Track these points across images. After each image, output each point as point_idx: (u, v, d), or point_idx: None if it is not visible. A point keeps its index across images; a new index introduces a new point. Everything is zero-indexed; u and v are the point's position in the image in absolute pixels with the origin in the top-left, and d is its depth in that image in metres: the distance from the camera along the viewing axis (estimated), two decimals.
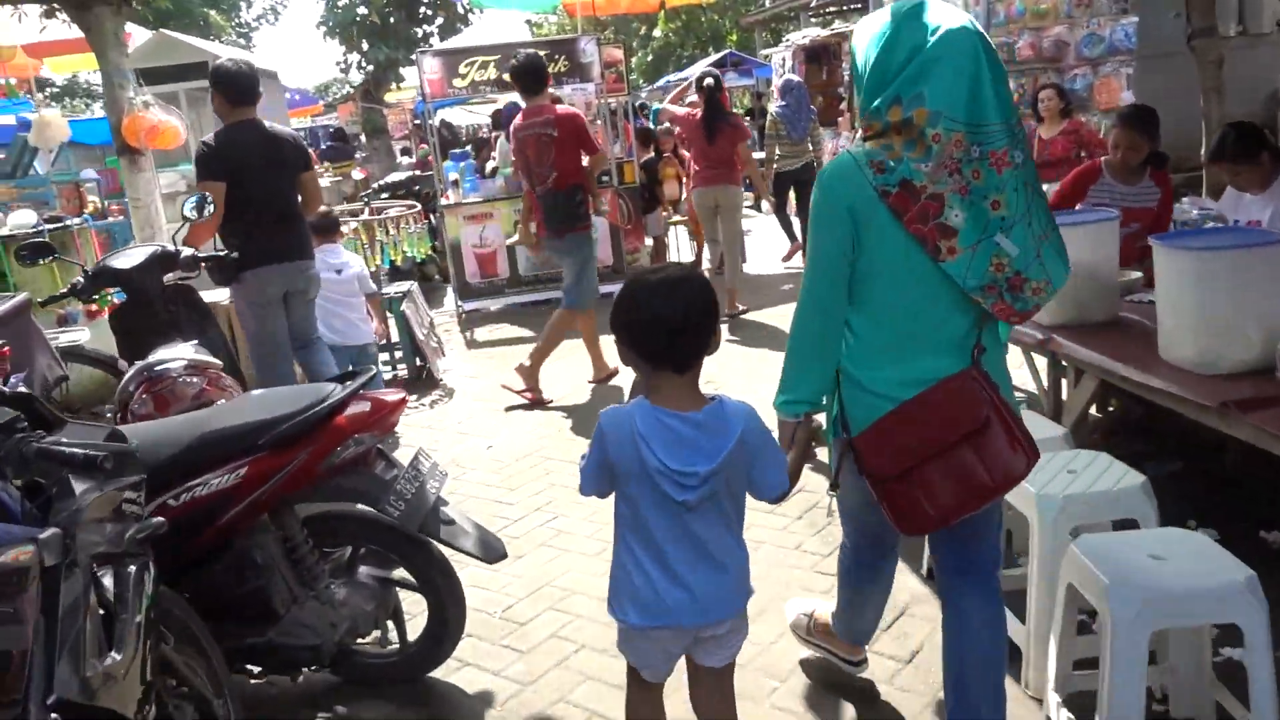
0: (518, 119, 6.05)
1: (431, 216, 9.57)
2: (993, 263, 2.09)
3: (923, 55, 2.03)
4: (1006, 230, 2.08)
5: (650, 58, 27.75)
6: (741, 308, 7.98)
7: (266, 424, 2.79)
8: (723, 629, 2.15)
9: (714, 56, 19.74)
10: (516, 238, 6.69)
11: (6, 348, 4.08)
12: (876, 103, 2.10)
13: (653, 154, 10.58)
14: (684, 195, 10.67)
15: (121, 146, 7.29)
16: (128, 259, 4.45)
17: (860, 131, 2.23)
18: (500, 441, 5.53)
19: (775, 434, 2.22)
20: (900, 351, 2.21)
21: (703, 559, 2.07)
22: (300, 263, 5.06)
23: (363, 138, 15.83)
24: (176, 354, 3.73)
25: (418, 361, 6.88)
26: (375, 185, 11.40)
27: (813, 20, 16.11)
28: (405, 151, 19.93)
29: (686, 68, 23.53)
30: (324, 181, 10.55)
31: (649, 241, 10.11)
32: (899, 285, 2.17)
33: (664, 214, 10.62)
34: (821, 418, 2.43)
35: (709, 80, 7.88)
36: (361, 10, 14.51)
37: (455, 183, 9.07)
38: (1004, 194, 2.07)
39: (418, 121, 21.72)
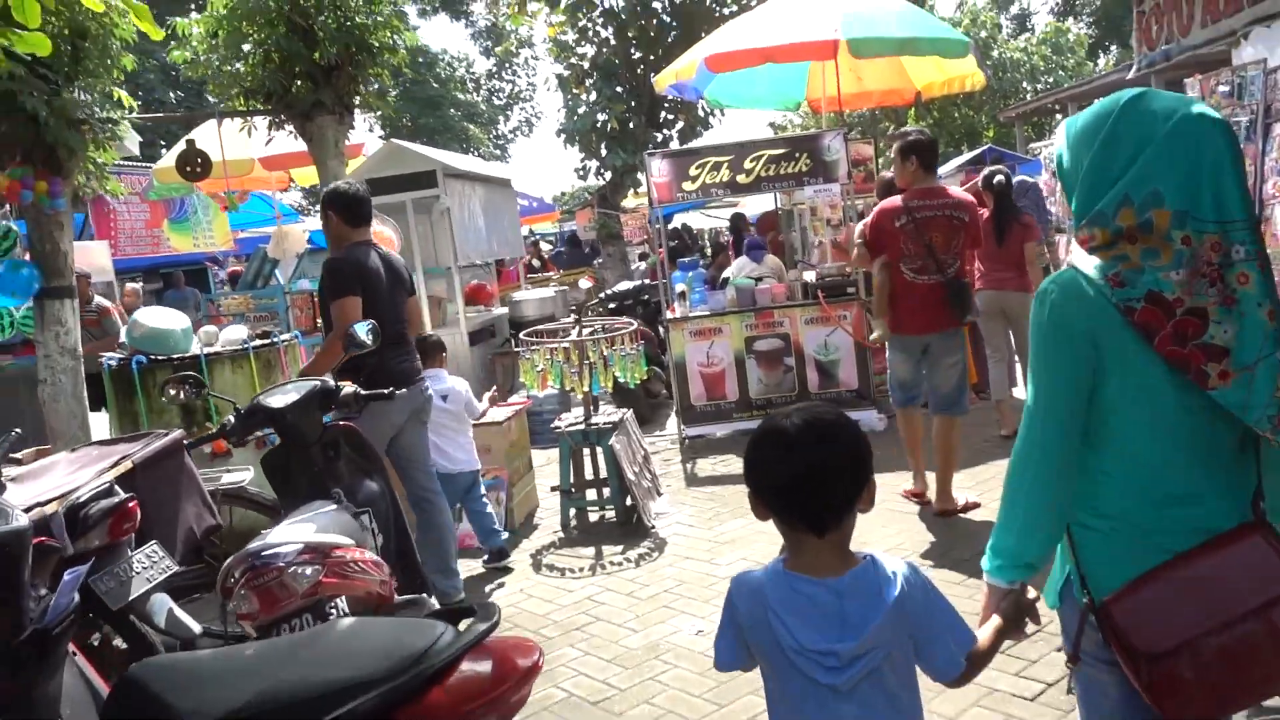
0: (904, 197, 5.58)
1: (661, 329, 8.76)
2: (1278, 385, 1.75)
3: (1154, 148, 1.77)
4: None
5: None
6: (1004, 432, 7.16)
7: (334, 692, 1.86)
8: None
9: (971, 154, 18.29)
10: (874, 334, 6.08)
11: (134, 502, 3.46)
12: (1099, 206, 1.82)
13: None
14: None
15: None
16: (283, 396, 3.82)
17: (1075, 244, 1.91)
18: (714, 624, 4.43)
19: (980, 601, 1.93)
20: (1160, 496, 1.84)
21: None
22: (419, 385, 4.90)
23: (598, 245, 15.65)
24: (290, 535, 2.95)
25: (627, 502, 5.95)
26: (603, 294, 10.83)
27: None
28: (643, 257, 19.67)
29: (938, 166, 22.19)
30: (549, 290, 10.04)
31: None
32: (1153, 421, 1.82)
33: None
34: (1035, 592, 1.98)
35: (999, 178, 7.22)
36: (602, 116, 14.24)
37: (682, 294, 8.24)
38: (1275, 301, 1.76)
39: (657, 226, 21.71)
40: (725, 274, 9.07)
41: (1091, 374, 1.83)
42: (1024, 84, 28.58)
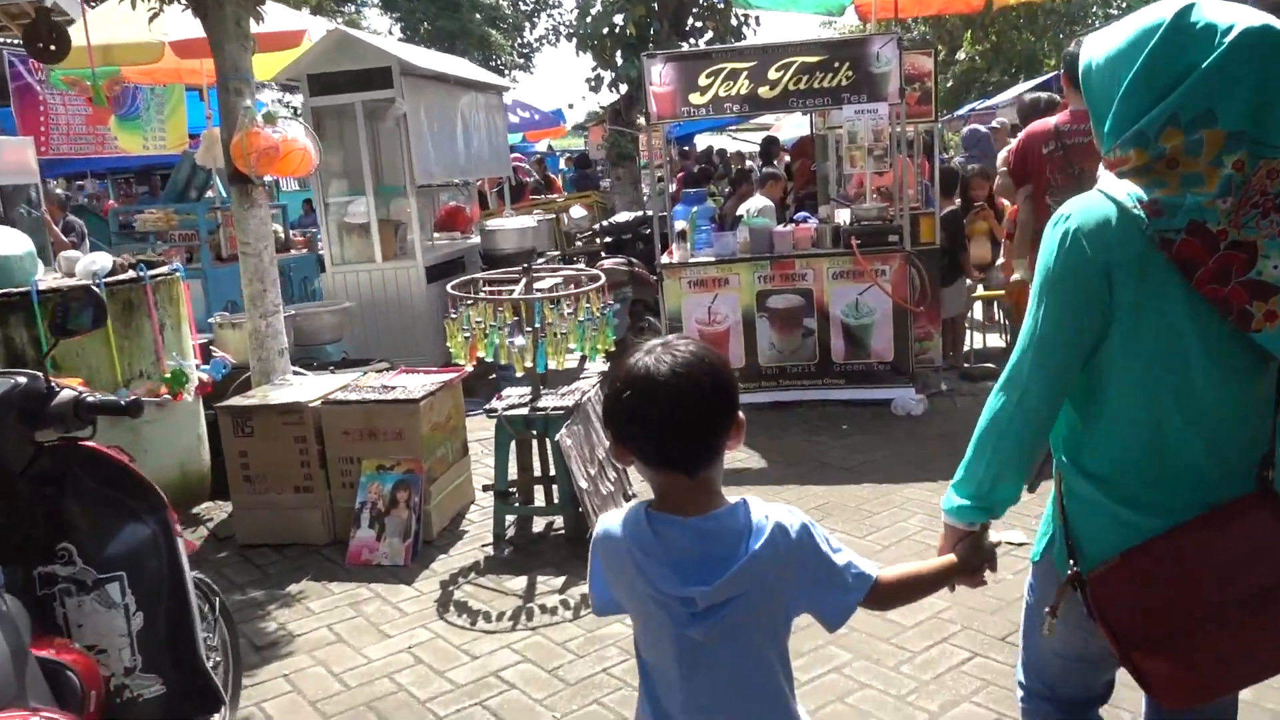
0: (1061, 117, 4.95)
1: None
2: None
3: (1212, 63, 1.53)
4: None
5: (950, 83, 24.37)
6: None
7: None
8: None
9: (1032, 82, 16.31)
10: (1004, 284, 5.43)
11: None
12: (1139, 126, 1.59)
13: (958, 204, 7.78)
14: (999, 259, 7.74)
15: (233, 173, 5.43)
16: None
17: (1106, 166, 1.68)
18: None
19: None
20: (1167, 457, 1.67)
21: (720, 706, 1.60)
22: None
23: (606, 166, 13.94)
24: None
25: (581, 510, 4.47)
26: (598, 225, 9.23)
27: None
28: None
29: (993, 95, 20.14)
30: (529, 219, 8.46)
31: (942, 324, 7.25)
32: (1176, 367, 1.63)
33: (970, 284, 7.75)
34: (1006, 535, 2.03)
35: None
36: (618, 19, 12.45)
37: (682, 234, 6.65)
38: None
39: (686, 148, 19.76)
40: (740, 211, 7.46)
41: (1101, 319, 1.64)
42: (1095, 8, 26.06)
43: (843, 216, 7.54)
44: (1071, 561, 1.74)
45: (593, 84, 13.54)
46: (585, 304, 4.56)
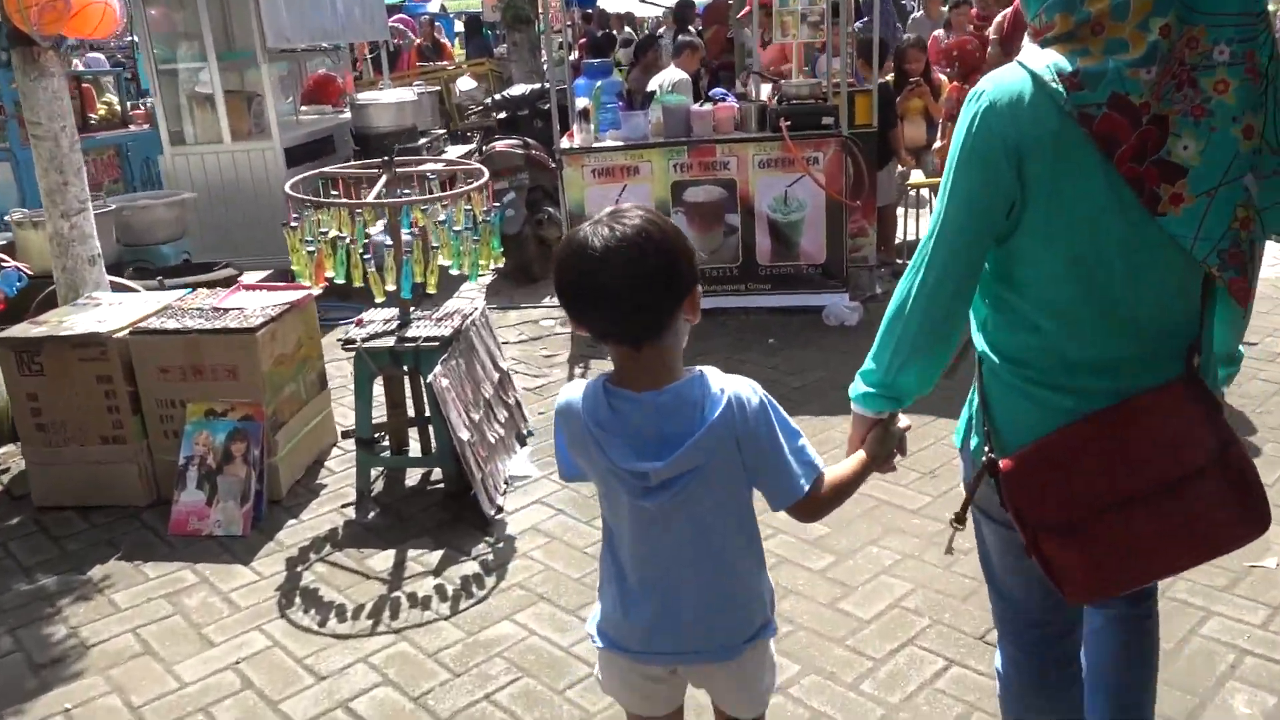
0: None
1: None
2: (1237, 217, 1.48)
3: None
4: (1261, 170, 1.48)
5: None
6: None
7: None
8: (718, 671, 1.69)
9: None
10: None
11: None
12: None
13: (890, 77, 6.98)
14: (938, 142, 6.99)
15: (11, 31, 4.26)
16: None
17: (1030, 35, 1.58)
18: None
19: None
20: (1082, 343, 1.59)
21: (672, 582, 1.61)
22: None
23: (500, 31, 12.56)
24: None
25: (466, 471, 3.63)
26: (490, 99, 8.12)
27: None
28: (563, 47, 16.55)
29: None
30: (407, 91, 7.32)
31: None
32: (1091, 250, 1.53)
33: (903, 170, 6.99)
34: (906, 420, 1.76)
35: None
36: None
37: (585, 114, 5.68)
38: (1258, 115, 1.45)
39: (588, 10, 18.26)
40: (652, 86, 6.48)
41: (1006, 200, 1.54)
42: None
43: (764, 93, 6.66)
44: (987, 448, 1.67)
45: None
46: (465, 206, 3.64)
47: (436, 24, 15.68)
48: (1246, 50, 1.43)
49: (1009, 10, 5.25)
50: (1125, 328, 1.58)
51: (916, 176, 7.17)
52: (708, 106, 5.70)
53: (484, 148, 6.98)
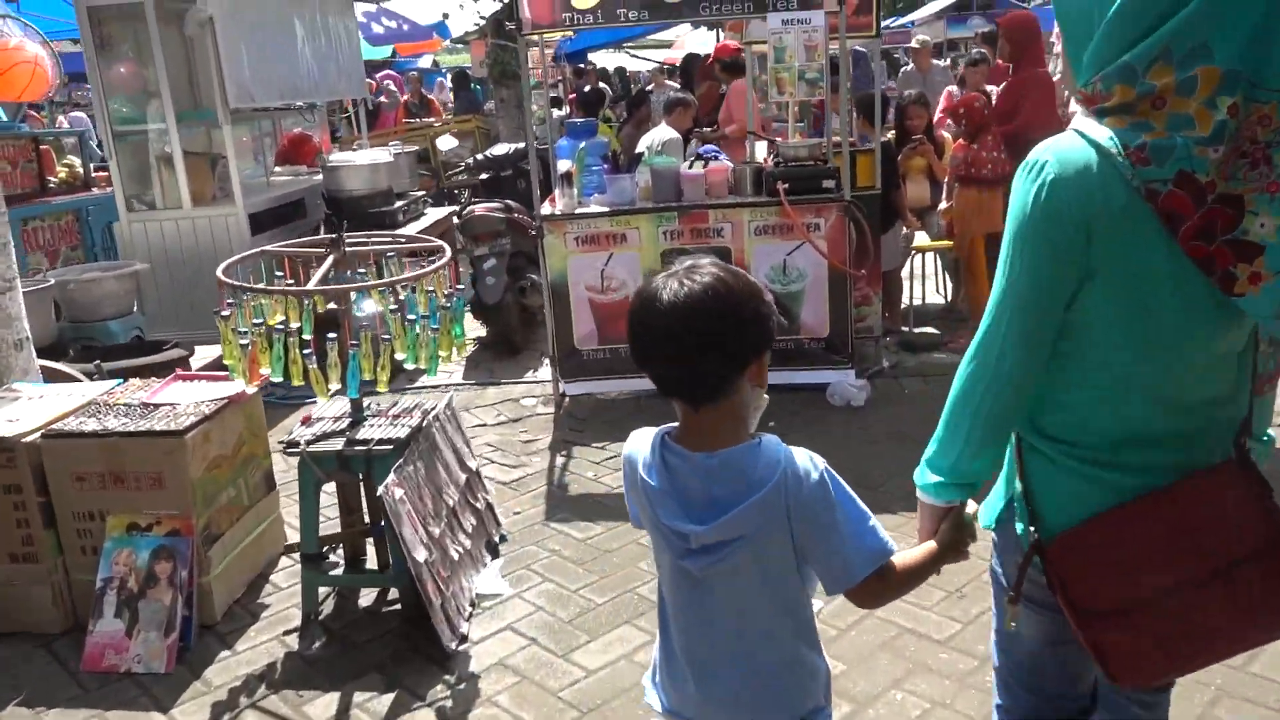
0: None
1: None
2: None
3: None
4: None
5: None
6: None
7: None
8: None
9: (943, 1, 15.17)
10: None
11: None
12: (1127, 59, 1.41)
13: (891, 135, 6.63)
14: (943, 203, 6.61)
15: None
16: None
17: (1083, 102, 1.50)
18: None
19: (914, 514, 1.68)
20: (1131, 419, 1.55)
21: (712, 651, 1.56)
22: None
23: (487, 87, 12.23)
24: None
25: (423, 597, 3.14)
26: (473, 159, 7.75)
27: None
28: (555, 103, 16.28)
29: (911, 11, 18.93)
30: (382, 152, 6.94)
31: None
32: (1147, 325, 1.50)
33: (907, 233, 6.61)
34: (975, 506, 1.69)
35: None
36: None
37: (568, 176, 5.28)
38: None
39: (582, 66, 18.04)
40: (641, 147, 6.10)
41: (1078, 275, 1.48)
42: None
43: (759, 153, 6.28)
44: (1032, 529, 1.61)
45: None
46: (428, 290, 3.21)
47: (423, 80, 15.39)
48: None
49: (964, 101, 5.29)
50: (1176, 404, 1.54)
51: (921, 239, 6.79)
52: (698, 168, 5.30)
53: (462, 211, 6.58)
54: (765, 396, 1.58)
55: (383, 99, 11.57)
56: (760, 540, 1.48)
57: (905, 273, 6.81)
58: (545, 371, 5.73)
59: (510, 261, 6.41)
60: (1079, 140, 1.47)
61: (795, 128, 6.01)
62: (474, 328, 6.88)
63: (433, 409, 3.49)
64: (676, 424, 1.56)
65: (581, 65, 18.06)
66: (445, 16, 14.35)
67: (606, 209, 5.19)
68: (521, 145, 7.65)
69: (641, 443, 1.59)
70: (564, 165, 5.29)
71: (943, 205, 6.64)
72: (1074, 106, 1.57)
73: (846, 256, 5.14)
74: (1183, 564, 1.51)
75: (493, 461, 4.62)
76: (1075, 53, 1.52)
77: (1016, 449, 1.66)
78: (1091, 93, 1.47)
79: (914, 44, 10.72)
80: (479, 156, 7.68)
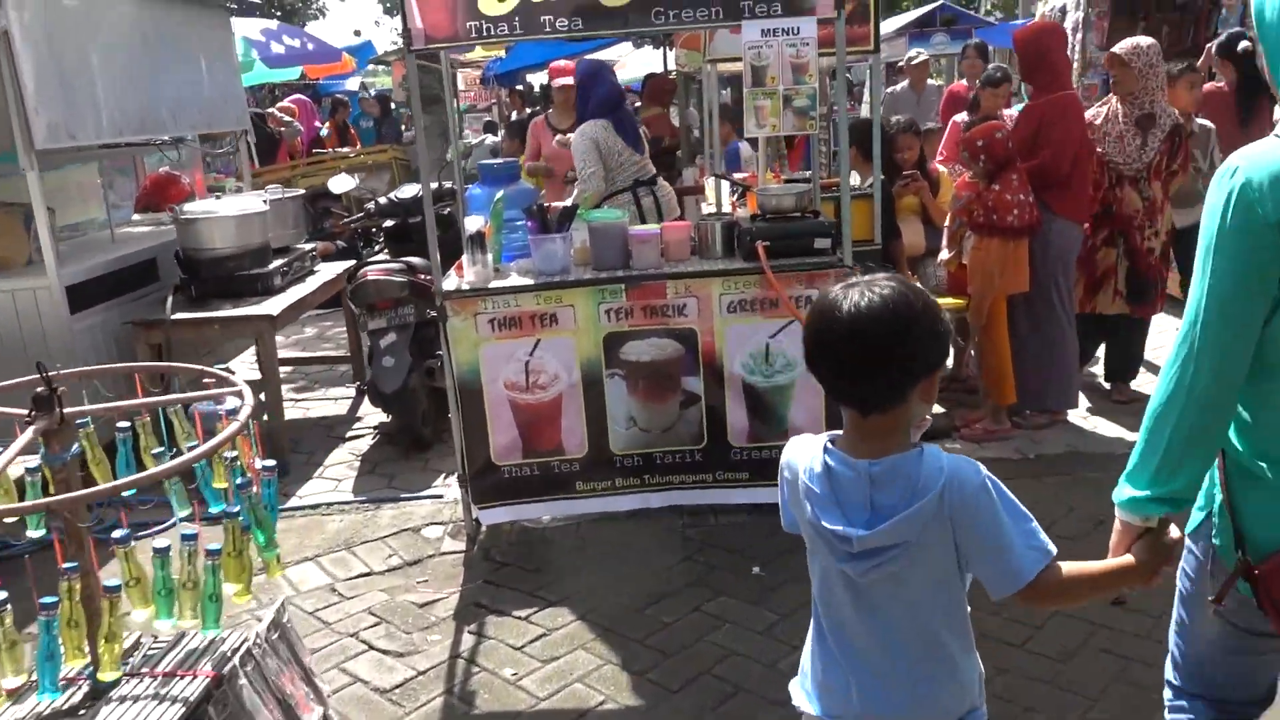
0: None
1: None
2: None
3: None
4: None
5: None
6: None
7: None
8: None
9: (921, 10, 14.17)
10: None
11: None
12: None
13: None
14: (944, 251, 5.40)
15: None
16: None
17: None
18: None
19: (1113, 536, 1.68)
20: None
21: (872, 654, 1.60)
22: None
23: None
24: None
25: None
26: (372, 204, 6.41)
27: None
28: (489, 127, 14.96)
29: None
30: (251, 200, 5.56)
31: None
32: None
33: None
34: (1178, 531, 1.67)
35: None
36: None
37: (479, 239, 3.97)
38: None
39: (520, 88, 16.72)
40: (571, 198, 4.83)
41: (1276, 285, 1.49)
42: None
43: (722, 195, 5.06)
44: (1240, 552, 1.63)
45: (387, 4, 10.52)
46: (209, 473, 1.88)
47: (347, 106, 13.93)
48: None
49: (982, 131, 4.44)
50: None
51: None
52: (651, 228, 4.05)
53: (354, 274, 5.24)
54: (930, 413, 1.59)
55: (281, 130, 10.15)
56: (923, 546, 1.52)
57: None
58: (450, 492, 4.40)
59: (417, 334, 5.09)
60: (1274, 144, 1.47)
61: (765, 167, 4.81)
62: (372, 414, 5.56)
63: (241, 646, 2.16)
64: (839, 432, 1.60)
65: (519, 88, 16.77)
66: (357, 34, 12.99)
67: (531, 280, 3.91)
68: (436, 185, 6.33)
69: (803, 449, 1.63)
70: (474, 223, 3.99)
71: (943, 255, 5.43)
72: (1276, 114, 1.69)
73: None
74: None
75: (370, 648, 3.29)
76: (1273, 63, 1.53)
77: (1220, 463, 1.65)
78: None
79: (909, 60, 9.53)
80: (380, 200, 6.34)
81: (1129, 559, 1.63)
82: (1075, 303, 5.01)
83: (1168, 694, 1.94)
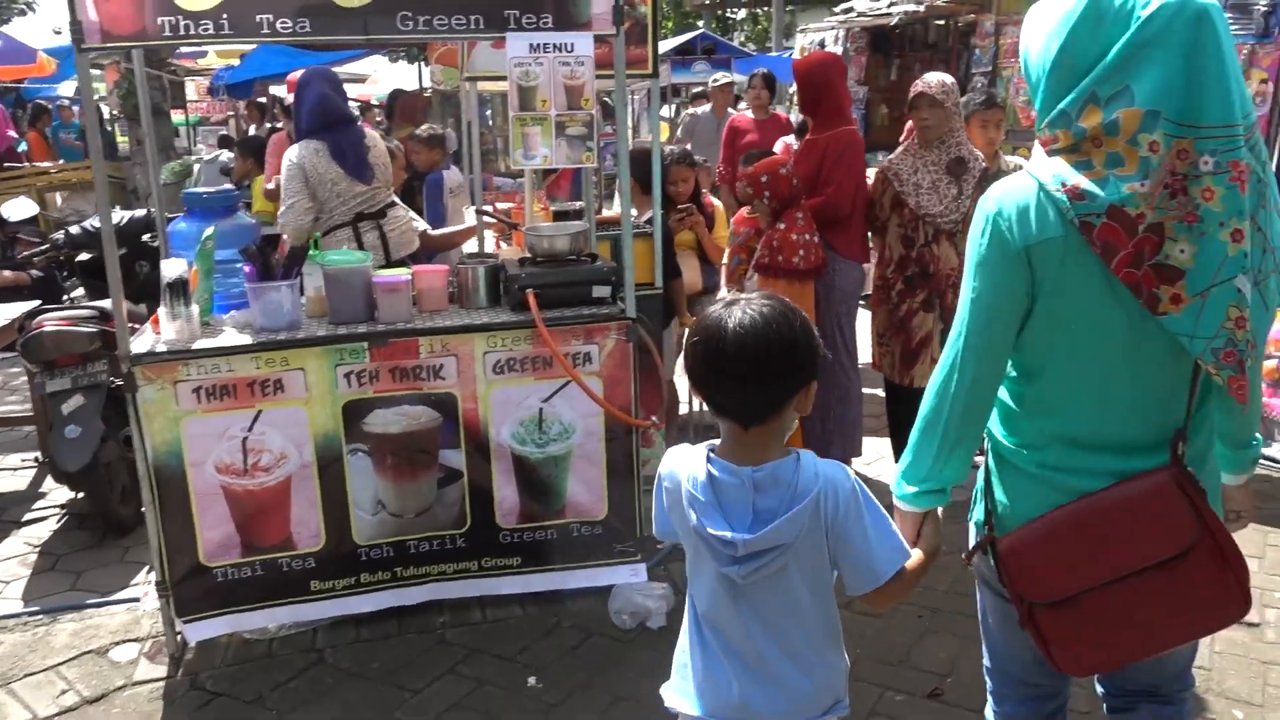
0: None
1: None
2: (1230, 317, 1.57)
3: (1129, 40, 1.55)
4: (1250, 272, 1.57)
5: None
6: None
7: None
8: None
9: (681, 38, 14.15)
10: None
11: None
12: (1063, 105, 1.62)
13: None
14: (723, 289, 5.06)
15: None
16: None
17: (1039, 146, 1.72)
18: None
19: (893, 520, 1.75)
20: (1081, 431, 1.73)
21: (754, 651, 1.69)
22: None
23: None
24: None
25: None
26: (57, 236, 5.33)
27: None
28: (225, 142, 13.58)
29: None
30: None
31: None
32: (1092, 347, 1.69)
33: (680, 330, 5.03)
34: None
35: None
36: None
37: (180, 286, 3.17)
38: (1245, 220, 1.56)
39: (263, 100, 15.28)
40: (300, 222, 4.08)
41: (1027, 298, 1.68)
42: None
43: (497, 242, 4.48)
44: (988, 526, 1.81)
45: None
46: None
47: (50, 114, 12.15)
48: (1230, 160, 1.53)
49: (765, 165, 4.06)
50: (1127, 415, 1.69)
51: None
52: (400, 271, 3.40)
53: (24, 324, 4.24)
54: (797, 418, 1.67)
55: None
56: (800, 548, 1.61)
57: (677, 376, 5.23)
58: (148, 599, 3.54)
59: (113, 395, 4.17)
60: (1025, 179, 1.66)
61: (533, 200, 4.29)
62: (59, 490, 4.55)
63: None
64: (717, 441, 1.67)
65: (262, 100, 15.37)
66: (57, 32, 11.42)
67: (250, 339, 3.17)
68: (142, 212, 5.36)
69: (683, 459, 1.69)
70: (174, 267, 3.19)
71: (723, 293, 5.08)
72: (1034, 149, 1.71)
73: (632, 398, 3.43)
74: (1120, 559, 1.65)
75: None
76: (1033, 101, 1.69)
77: (985, 446, 1.86)
78: (1044, 136, 1.66)
79: (712, 82, 9.00)
80: (70, 230, 5.28)
81: (921, 555, 1.76)
82: (856, 352, 4.77)
83: (988, 683, 2.07)
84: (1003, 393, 1.80)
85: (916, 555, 1.74)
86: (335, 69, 8.48)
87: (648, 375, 3.67)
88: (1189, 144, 1.53)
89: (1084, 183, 1.56)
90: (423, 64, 7.71)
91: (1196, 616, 1.70)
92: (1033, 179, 1.64)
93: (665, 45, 14.04)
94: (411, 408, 3.28)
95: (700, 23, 19.12)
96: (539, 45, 3.08)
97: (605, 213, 5.21)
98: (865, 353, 4.67)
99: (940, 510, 1.83)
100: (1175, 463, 1.67)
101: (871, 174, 4.62)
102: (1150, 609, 1.66)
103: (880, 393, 4.83)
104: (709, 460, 1.65)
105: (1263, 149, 1.60)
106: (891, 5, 8.21)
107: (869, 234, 4.56)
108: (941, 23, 8.57)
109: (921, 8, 7.73)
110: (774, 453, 1.64)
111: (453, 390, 3.29)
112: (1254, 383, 1.70)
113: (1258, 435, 1.87)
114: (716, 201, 5.65)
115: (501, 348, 3.29)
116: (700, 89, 9.16)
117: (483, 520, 3.41)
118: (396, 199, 4.47)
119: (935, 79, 4.19)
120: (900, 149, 4.39)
